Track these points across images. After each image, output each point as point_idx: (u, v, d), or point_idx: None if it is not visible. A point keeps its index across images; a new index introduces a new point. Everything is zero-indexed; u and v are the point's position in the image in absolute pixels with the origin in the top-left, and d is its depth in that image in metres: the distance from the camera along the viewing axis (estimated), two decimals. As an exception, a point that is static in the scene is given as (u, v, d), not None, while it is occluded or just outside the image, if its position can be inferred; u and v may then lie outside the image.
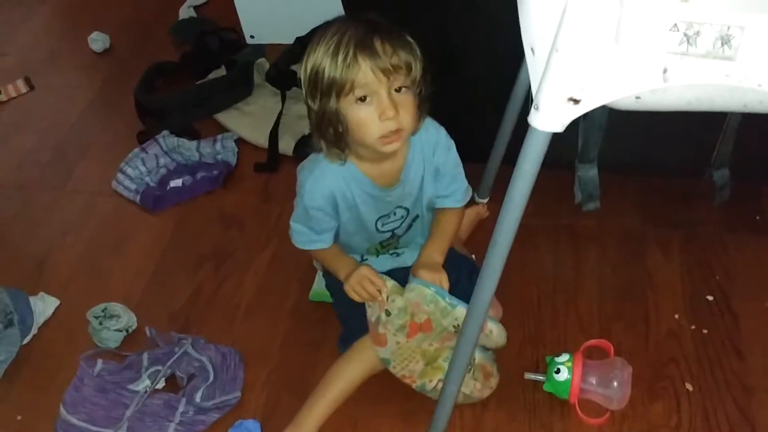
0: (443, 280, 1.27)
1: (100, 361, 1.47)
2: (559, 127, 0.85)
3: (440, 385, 1.31)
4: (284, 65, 2.06)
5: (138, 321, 1.56)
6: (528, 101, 1.39)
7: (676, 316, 1.49)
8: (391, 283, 1.27)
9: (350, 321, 1.38)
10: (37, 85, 2.26)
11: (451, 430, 1.33)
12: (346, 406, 1.35)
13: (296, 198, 1.32)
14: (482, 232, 1.63)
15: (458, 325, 1.24)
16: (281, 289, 1.61)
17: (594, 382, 1.33)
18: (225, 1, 2.23)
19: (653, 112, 0.86)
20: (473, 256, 1.50)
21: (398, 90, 1.15)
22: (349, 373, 1.34)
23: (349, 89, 1.13)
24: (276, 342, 1.51)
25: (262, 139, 1.94)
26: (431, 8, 1.45)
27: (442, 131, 1.30)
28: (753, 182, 1.69)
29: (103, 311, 1.53)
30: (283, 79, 2.03)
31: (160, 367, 1.44)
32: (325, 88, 1.15)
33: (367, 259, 1.42)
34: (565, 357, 1.34)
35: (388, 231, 1.37)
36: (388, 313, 1.26)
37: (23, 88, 2.25)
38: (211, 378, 1.41)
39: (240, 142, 1.96)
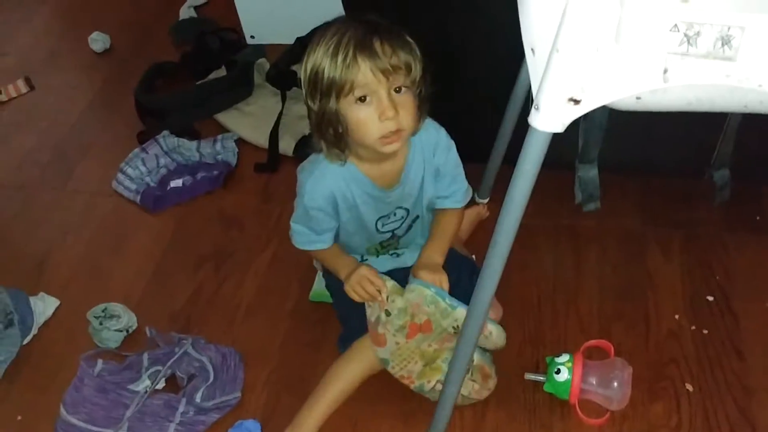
0: (443, 281, 1.27)
1: (100, 362, 1.47)
2: (560, 128, 0.85)
3: (438, 385, 1.31)
4: (284, 65, 2.06)
5: (138, 321, 1.56)
6: (528, 101, 1.39)
7: (677, 316, 1.49)
8: (390, 283, 1.27)
9: (350, 321, 1.38)
10: (38, 85, 2.27)
11: (451, 430, 1.33)
12: (346, 406, 1.35)
13: (296, 198, 1.32)
14: (482, 233, 1.63)
15: (458, 326, 1.24)
16: (281, 290, 1.61)
17: (594, 382, 1.33)
18: (225, 1, 2.23)
19: (653, 113, 0.86)
20: (473, 256, 1.50)
21: (398, 90, 1.15)
22: (348, 373, 1.34)
23: (349, 90, 1.13)
24: (276, 342, 1.51)
25: (262, 140, 1.94)
26: (431, 8, 1.45)
27: (443, 132, 1.30)
28: (753, 182, 1.69)
29: (103, 311, 1.53)
30: (283, 79, 2.03)
31: (160, 368, 1.44)
32: (324, 89, 1.15)
33: (367, 260, 1.42)
34: (565, 357, 1.34)
35: (388, 231, 1.37)
36: (387, 314, 1.26)
37: (23, 88, 2.25)
38: (212, 378, 1.41)
39: (240, 142, 1.96)
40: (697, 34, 0.75)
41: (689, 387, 1.38)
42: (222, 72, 2.11)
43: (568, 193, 1.68)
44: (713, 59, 0.76)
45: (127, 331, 1.54)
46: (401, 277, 1.31)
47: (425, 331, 1.27)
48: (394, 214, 1.34)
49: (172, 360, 1.43)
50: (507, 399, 1.37)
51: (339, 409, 1.34)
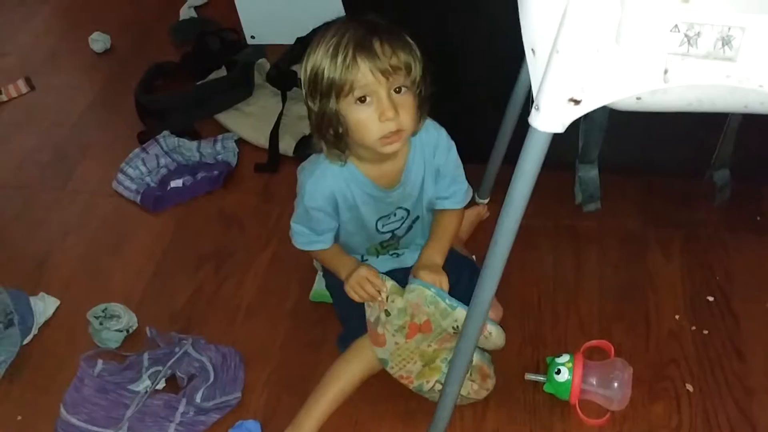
0: (443, 281, 1.27)
1: (100, 362, 1.47)
2: (560, 128, 0.85)
3: (437, 385, 1.31)
4: (285, 66, 2.06)
5: (138, 321, 1.56)
6: (528, 102, 1.39)
7: (677, 316, 1.49)
8: (390, 283, 1.27)
9: (350, 321, 1.38)
10: (38, 85, 2.27)
11: (452, 430, 1.33)
12: (346, 406, 1.35)
13: (296, 199, 1.32)
14: (483, 233, 1.63)
15: (458, 326, 1.24)
16: (281, 290, 1.61)
17: (594, 382, 1.33)
18: (226, 1, 2.23)
19: (654, 113, 0.86)
20: (473, 256, 1.50)
21: (398, 91, 1.15)
22: (347, 373, 1.34)
23: (349, 90, 1.13)
24: (276, 342, 1.51)
25: (262, 140, 1.94)
26: (431, 8, 1.45)
27: (443, 132, 1.30)
28: (753, 183, 1.69)
29: (103, 311, 1.53)
30: (283, 79, 2.03)
31: (160, 368, 1.44)
32: (324, 89, 1.15)
33: (367, 260, 1.42)
34: (565, 358, 1.34)
35: (388, 232, 1.37)
36: (387, 314, 1.26)
37: (24, 88, 2.25)
38: (212, 378, 1.41)
39: (240, 142, 1.96)
40: (698, 34, 0.75)
41: (690, 387, 1.38)
42: (222, 72, 2.11)
43: (568, 194, 1.68)
44: (713, 60, 0.76)
45: (128, 331, 1.54)
46: (401, 277, 1.30)
47: (425, 331, 1.27)
48: (395, 215, 1.34)
49: (172, 360, 1.43)
50: (507, 399, 1.37)
51: (339, 409, 1.34)
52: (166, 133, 1.95)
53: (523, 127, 0.88)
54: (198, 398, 1.37)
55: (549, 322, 1.50)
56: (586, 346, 1.40)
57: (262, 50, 2.19)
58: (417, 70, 1.16)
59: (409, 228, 1.38)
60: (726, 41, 0.75)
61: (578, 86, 0.81)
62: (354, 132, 1.18)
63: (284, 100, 2.00)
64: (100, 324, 1.51)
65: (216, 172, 1.86)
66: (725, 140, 1.53)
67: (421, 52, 1.16)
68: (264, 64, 2.14)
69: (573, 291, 1.55)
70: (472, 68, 1.53)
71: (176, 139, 1.94)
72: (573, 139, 1.58)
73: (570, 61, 0.80)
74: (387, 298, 1.26)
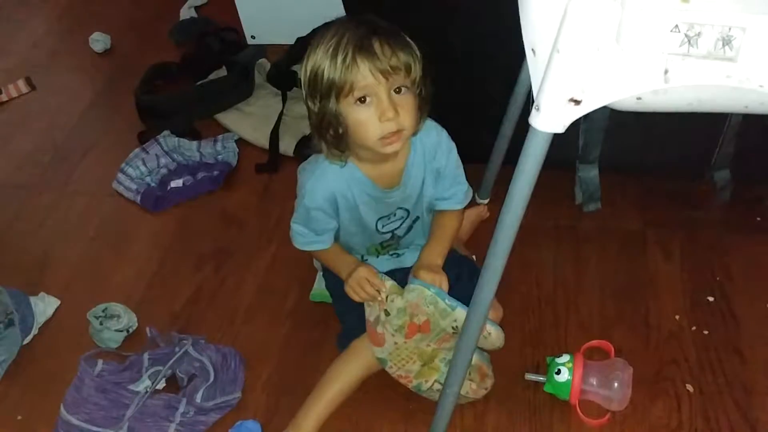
0: (443, 281, 1.27)
1: (100, 362, 1.47)
2: (560, 128, 0.85)
3: (436, 385, 1.31)
4: (285, 66, 2.06)
5: (138, 321, 1.56)
6: (529, 102, 1.39)
7: (677, 317, 1.49)
8: (390, 282, 1.27)
9: (349, 320, 1.38)
10: (38, 85, 2.27)
11: (452, 430, 1.33)
12: (347, 407, 1.35)
13: (297, 199, 1.32)
14: (483, 233, 1.63)
15: (457, 326, 1.24)
16: (282, 290, 1.61)
17: (594, 383, 1.33)
18: (226, 1, 2.23)
19: (654, 113, 0.86)
20: (474, 256, 1.50)
21: (398, 91, 1.15)
22: (346, 373, 1.34)
23: (349, 90, 1.13)
24: (276, 342, 1.51)
25: (262, 140, 1.94)
26: (431, 9, 1.45)
27: (444, 134, 1.30)
28: (754, 183, 1.69)
29: (103, 311, 1.53)
30: (283, 79, 2.03)
31: (160, 368, 1.44)
32: (324, 90, 1.15)
33: (367, 260, 1.42)
34: (565, 358, 1.34)
35: (388, 232, 1.37)
36: (387, 313, 1.26)
37: (24, 88, 2.25)
38: (212, 378, 1.41)
39: (241, 142, 1.96)
40: (698, 34, 0.75)
41: (690, 388, 1.38)
42: (222, 72, 2.11)
43: (568, 194, 1.68)
44: (714, 60, 0.76)
45: (128, 331, 1.54)
46: (401, 277, 1.31)
47: (424, 331, 1.27)
48: (394, 215, 1.34)
49: (172, 360, 1.43)
50: (507, 399, 1.37)
51: (339, 410, 1.34)
52: (166, 133, 1.95)
53: (523, 128, 0.88)
54: (198, 398, 1.37)
55: (549, 322, 1.50)
56: (586, 346, 1.40)
57: (262, 50, 2.19)
58: (417, 71, 1.16)
59: (409, 228, 1.38)
60: (726, 41, 0.75)
61: (578, 86, 0.81)
62: (354, 132, 1.18)
63: (284, 100, 2.00)
64: (101, 324, 1.51)
65: (216, 172, 1.86)
66: (725, 141, 1.53)
67: (421, 53, 1.16)
68: (264, 64, 2.14)
69: (573, 291, 1.55)
70: (472, 68, 1.53)
71: (176, 139, 1.94)
72: (573, 139, 1.58)
73: (570, 61, 0.80)
74: (386, 297, 1.26)
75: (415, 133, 1.24)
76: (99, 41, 2.36)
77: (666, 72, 0.78)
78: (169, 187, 1.86)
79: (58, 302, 1.62)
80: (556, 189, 1.66)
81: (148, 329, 1.50)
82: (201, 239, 1.75)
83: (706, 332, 1.46)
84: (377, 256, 1.42)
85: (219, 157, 1.92)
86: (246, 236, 1.75)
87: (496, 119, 1.49)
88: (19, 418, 1.44)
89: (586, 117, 0.86)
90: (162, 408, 1.39)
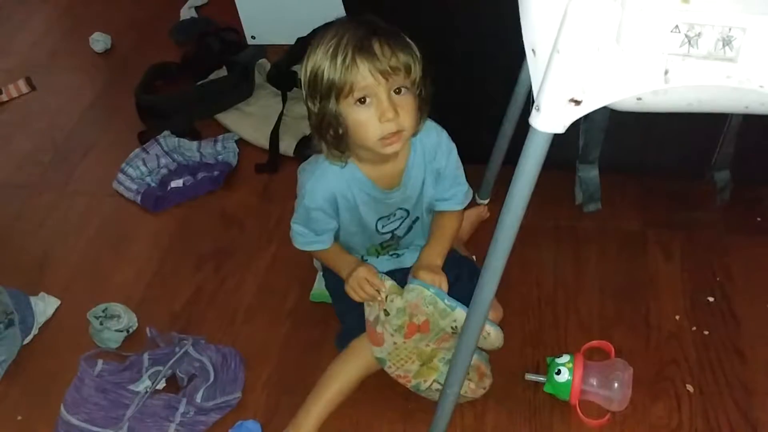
0: (442, 282, 1.27)
1: (100, 362, 1.47)
2: (560, 128, 0.85)
3: (435, 384, 1.31)
4: (285, 66, 2.06)
5: (139, 321, 1.56)
6: (529, 102, 1.39)
7: (677, 317, 1.49)
8: (389, 282, 1.27)
9: (348, 320, 1.38)
10: (39, 85, 2.27)
11: (452, 430, 1.33)
12: (347, 406, 1.35)
13: (297, 199, 1.32)
14: (483, 233, 1.63)
15: (456, 326, 1.24)
16: (282, 290, 1.61)
17: (594, 383, 1.33)
18: (226, 1, 2.23)
19: (654, 114, 0.86)
20: (474, 256, 1.50)
21: (398, 91, 1.15)
22: (345, 373, 1.34)
23: (349, 91, 1.13)
24: (277, 342, 1.51)
25: (263, 140, 1.94)
26: (431, 9, 1.45)
27: (444, 135, 1.30)
28: (754, 184, 1.69)
29: (103, 311, 1.53)
30: (284, 79, 2.03)
31: (160, 368, 1.44)
32: (324, 90, 1.15)
33: (367, 260, 1.42)
34: (565, 358, 1.34)
35: (388, 232, 1.37)
36: (386, 313, 1.26)
37: (24, 88, 2.25)
38: (212, 378, 1.41)
39: (241, 142, 1.96)
40: (698, 35, 0.75)
41: (690, 388, 1.38)
42: (223, 72, 2.11)
43: (568, 194, 1.68)
44: (714, 60, 0.76)
45: (128, 331, 1.54)
46: (401, 277, 1.31)
47: (423, 331, 1.27)
48: (394, 215, 1.34)
49: (172, 360, 1.43)
50: (507, 399, 1.37)
51: (339, 410, 1.34)
52: (166, 133, 1.95)
53: (523, 128, 0.88)
54: (198, 398, 1.37)
55: (549, 323, 1.50)
56: (587, 347, 1.40)
57: (262, 50, 2.19)
58: (417, 71, 1.16)
59: (409, 228, 1.38)
60: (726, 42, 0.75)
61: (579, 87, 0.81)
62: (354, 133, 1.18)
63: (285, 100, 2.00)
64: (101, 324, 1.51)
65: (216, 172, 1.86)
66: (726, 141, 1.53)
67: (420, 53, 1.16)
68: (264, 64, 2.14)
69: (573, 291, 1.55)
70: (472, 68, 1.53)
71: (177, 139, 1.94)
72: (573, 140, 1.58)
73: (570, 61, 0.80)
74: (386, 297, 1.26)
75: (415, 134, 1.24)
76: (99, 41, 2.36)
77: (666, 72, 0.78)
78: (169, 187, 1.86)
79: (58, 302, 1.62)
80: (556, 189, 1.66)
81: (148, 329, 1.50)
82: (201, 239, 1.75)
83: (706, 332, 1.46)
84: (377, 257, 1.42)
85: (219, 157, 1.92)
86: (246, 236, 1.75)
87: (496, 119, 1.49)
88: (19, 418, 1.44)
89: (586, 117, 0.86)
90: (162, 408, 1.39)
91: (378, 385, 1.37)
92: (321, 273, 1.54)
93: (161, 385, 1.44)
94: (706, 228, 1.65)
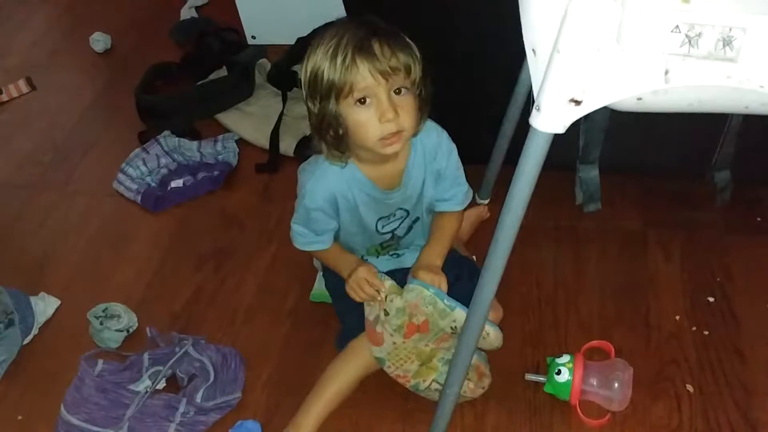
0: (442, 282, 1.27)
1: (100, 361, 1.47)
2: (561, 128, 0.85)
3: (434, 384, 1.31)
4: (285, 66, 2.06)
5: (139, 321, 1.56)
6: (529, 102, 1.39)
7: (677, 317, 1.49)
8: (389, 282, 1.27)
9: (349, 320, 1.38)
10: (39, 85, 2.27)
11: (452, 430, 1.33)
12: (346, 407, 1.35)
13: (297, 199, 1.32)
14: (483, 233, 1.63)
15: (456, 327, 1.24)
16: (282, 290, 1.61)
17: (595, 383, 1.33)
18: (226, 1, 2.23)
19: (655, 114, 0.86)
20: (474, 257, 1.50)
21: (398, 92, 1.15)
22: (345, 373, 1.34)
23: (348, 91, 1.13)
24: (277, 342, 1.51)
25: (263, 140, 1.94)
26: (431, 9, 1.45)
27: (444, 135, 1.30)
28: (754, 184, 1.69)
29: (103, 311, 1.53)
30: (284, 79, 2.03)
31: (160, 368, 1.44)
32: (324, 91, 1.15)
33: (367, 260, 1.41)
34: (565, 358, 1.34)
35: (388, 232, 1.37)
36: (386, 313, 1.26)
37: (25, 88, 2.25)
38: (212, 378, 1.41)
39: (241, 142, 1.96)
40: (699, 35, 0.75)
41: (690, 388, 1.38)
42: (223, 72, 2.11)
43: (568, 194, 1.68)
44: (714, 60, 0.76)
45: (128, 331, 1.54)
46: (401, 277, 1.31)
47: (423, 331, 1.27)
48: (394, 215, 1.34)
49: (172, 360, 1.43)
50: (507, 399, 1.37)
51: (339, 410, 1.34)
52: (166, 133, 1.95)
53: (523, 128, 0.88)
54: (198, 398, 1.37)
55: (549, 323, 1.50)
56: (587, 347, 1.40)
57: (262, 50, 2.19)
58: (417, 71, 1.16)
59: (409, 228, 1.38)
60: (727, 42, 0.75)
61: (579, 87, 0.81)
62: (354, 133, 1.18)
63: (285, 100, 2.00)
64: (101, 324, 1.51)
65: (216, 172, 1.87)
66: (726, 141, 1.53)
67: (420, 53, 1.16)
68: (265, 64, 2.14)
69: (573, 291, 1.55)
70: (472, 68, 1.53)
71: (177, 139, 1.94)
72: (573, 140, 1.57)
73: (571, 61, 0.80)
74: (386, 297, 1.26)
75: (415, 134, 1.24)
76: (99, 41, 2.36)
77: (666, 72, 0.78)
78: (169, 187, 1.86)
79: (59, 302, 1.62)
80: (556, 189, 1.66)
81: (148, 329, 1.50)
82: (201, 239, 1.75)
83: (706, 332, 1.46)
84: (377, 257, 1.42)
85: (219, 157, 1.92)
86: (246, 236, 1.75)
87: (496, 119, 1.49)
88: (19, 418, 1.44)
89: (586, 117, 0.86)
90: (162, 408, 1.39)
91: (377, 385, 1.37)
92: (321, 273, 1.54)
93: (161, 385, 1.44)
94: (707, 228, 1.65)
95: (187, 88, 2.11)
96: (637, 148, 1.60)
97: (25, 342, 1.55)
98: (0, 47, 2.46)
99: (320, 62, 1.14)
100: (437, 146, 1.29)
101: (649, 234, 1.65)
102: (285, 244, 1.47)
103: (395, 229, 1.37)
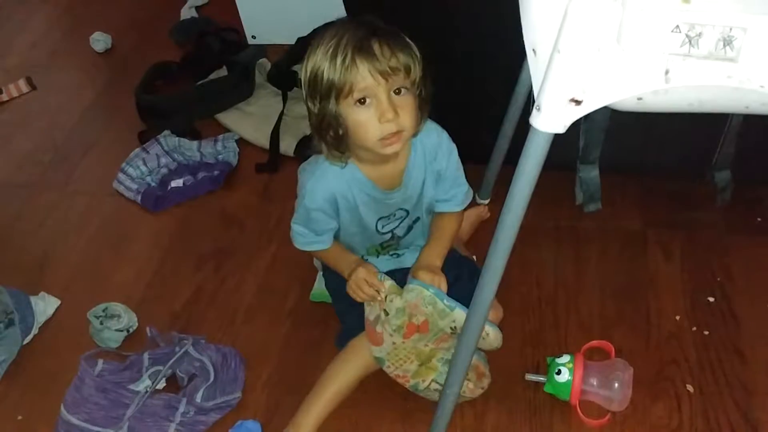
0: (442, 282, 1.27)
1: (100, 361, 1.47)
2: (561, 128, 0.85)
3: (433, 384, 1.31)
4: (286, 65, 2.06)
5: (139, 321, 1.56)
6: (529, 102, 1.39)
7: (677, 317, 1.49)
8: (389, 282, 1.27)
9: (349, 320, 1.38)
10: (39, 84, 2.27)
11: (452, 430, 1.33)
12: (346, 407, 1.35)
13: (297, 199, 1.32)
14: (483, 234, 1.63)
15: (455, 327, 1.24)
16: (282, 290, 1.61)
17: (595, 383, 1.33)
18: (227, 1, 2.23)
19: (655, 114, 0.86)
20: (474, 257, 1.50)
21: (398, 92, 1.15)
22: (344, 372, 1.34)
23: (348, 92, 1.13)
24: (277, 342, 1.51)
25: (263, 140, 1.94)
26: (431, 9, 1.45)
27: (444, 136, 1.30)
28: (754, 184, 1.69)
29: (104, 311, 1.53)
30: (284, 79, 2.03)
31: (160, 367, 1.44)
32: (324, 91, 1.15)
33: (367, 260, 1.41)
34: (565, 358, 1.34)
35: (388, 232, 1.37)
36: (386, 313, 1.26)
37: (25, 87, 2.25)
38: (212, 378, 1.41)
39: (241, 142, 1.96)
40: (699, 35, 0.75)
41: (690, 388, 1.38)
42: (223, 72, 2.11)
43: (569, 194, 1.68)
44: (715, 60, 0.76)
45: (128, 330, 1.54)
46: (401, 277, 1.30)
47: (422, 331, 1.27)
48: (394, 215, 1.34)
49: (172, 360, 1.43)
50: (507, 399, 1.37)
51: (339, 410, 1.34)
52: (166, 132, 1.95)
53: (524, 128, 0.88)
54: (198, 398, 1.37)
55: (549, 323, 1.50)
56: (587, 347, 1.40)
57: (263, 50, 2.19)
58: (416, 72, 1.16)
59: (409, 228, 1.38)
60: (727, 42, 0.75)
61: (579, 86, 0.81)
62: (354, 133, 1.18)
63: (285, 100, 2.00)
64: (101, 324, 1.51)
65: (216, 172, 1.86)
66: (726, 141, 1.53)
67: (420, 53, 1.16)
68: (265, 63, 2.14)
69: (573, 291, 1.55)
70: (472, 68, 1.53)
71: (177, 138, 1.94)
72: (574, 140, 1.57)
73: (571, 61, 0.80)
74: (386, 297, 1.26)
75: (415, 134, 1.24)
76: (99, 41, 2.36)
77: (667, 72, 0.78)
78: (169, 187, 1.86)
79: (59, 302, 1.62)
80: (556, 189, 1.66)
81: (148, 329, 1.50)
82: (201, 239, 1.75)
83: (706, 332, 1.46)
84: (377, 257, 1.42)
85: (219, 156, 1.92)
86: (246, 236, 1.75)
87: (496, 119, 1.49)
88: (19, 418, 1.44)
89: (586, 117, 0.85)
90: (162, 408, 1.39)
91: (377, 385, 1.37)
92: (321, 273, 1.54)
93: (161, 384, 1.44)
94: (707, 228, 1.65)
95: (187, 87, 2.11)
96: (637, 148, 1.60)
97: (25, 342, 1.55)
98: (0, 47, 2.46)
99: (320, 62, 1.14)
100: (437, 146, 1.29)
101: (649, 234, 1.65)
102: (285, 244, 1.47)
103: (395, 229, 1.37)
